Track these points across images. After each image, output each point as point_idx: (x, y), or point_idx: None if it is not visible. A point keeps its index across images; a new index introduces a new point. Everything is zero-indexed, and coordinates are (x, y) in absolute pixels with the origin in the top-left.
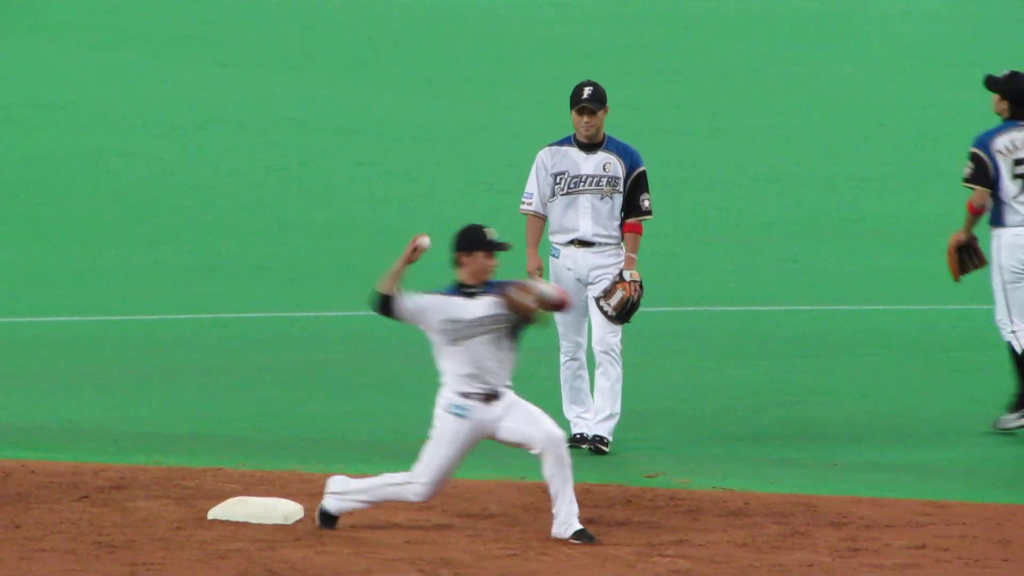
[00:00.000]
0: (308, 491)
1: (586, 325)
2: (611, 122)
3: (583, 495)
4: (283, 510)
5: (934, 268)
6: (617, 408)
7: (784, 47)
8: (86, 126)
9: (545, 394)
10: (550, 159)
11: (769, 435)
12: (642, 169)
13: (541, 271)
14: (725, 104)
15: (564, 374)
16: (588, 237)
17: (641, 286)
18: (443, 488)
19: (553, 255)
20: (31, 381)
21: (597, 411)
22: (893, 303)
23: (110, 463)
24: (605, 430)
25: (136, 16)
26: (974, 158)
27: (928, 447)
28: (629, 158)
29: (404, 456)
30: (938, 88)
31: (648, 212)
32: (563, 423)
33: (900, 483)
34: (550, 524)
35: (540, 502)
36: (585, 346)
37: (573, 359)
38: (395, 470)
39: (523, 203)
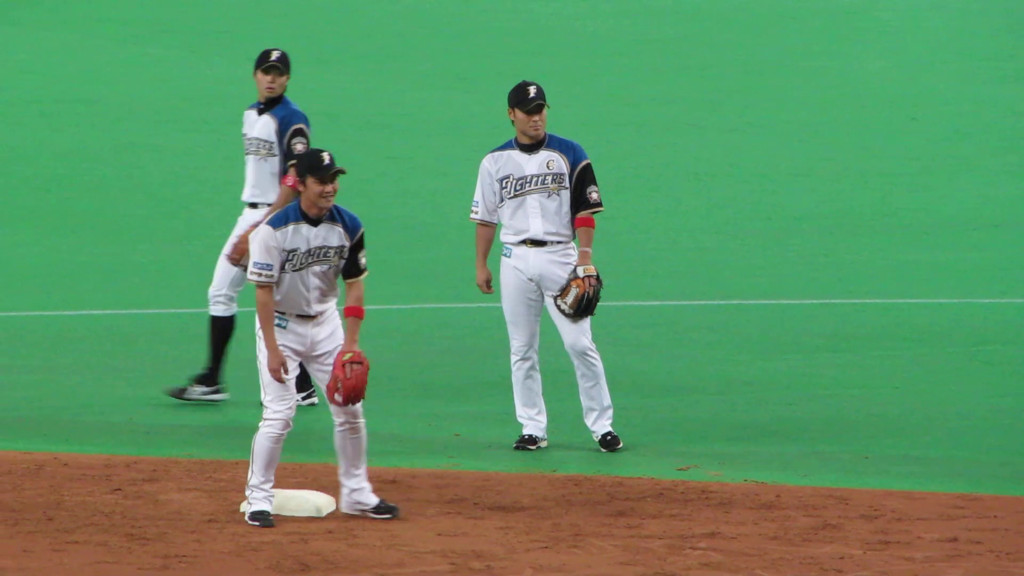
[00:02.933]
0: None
1: (538, 325)
2: (641, 116)
3: (615, 488)
4: (315, 502)
5: (965, 262)
6: (608, 402)
7: (815, 41)
8: (118, 121)
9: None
10: (493, 165)
11: (800, 428)
12: (586, 162)
13: (489, 282)
14: (756, 99)
15: (516, 375)
16: (539, 236)
17: (598, 279)
18: (292, 405)
19: (504, 255)
20: (64, 374)
21: (587, 411)
22: (924, 297)
23: (142, 456)
24: (605, 427)
25: (168, 11)
26: None
27: (960, 440)
28: (572, 153)
29: (435, 450)
30: (969, 82)
31: (597, 204)
32: (517, 426)
33: (932, 476)
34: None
35: (572, 495)
36: (537, 346)
37: (523, 359)
38: (426, 465)
39: (472, 212)
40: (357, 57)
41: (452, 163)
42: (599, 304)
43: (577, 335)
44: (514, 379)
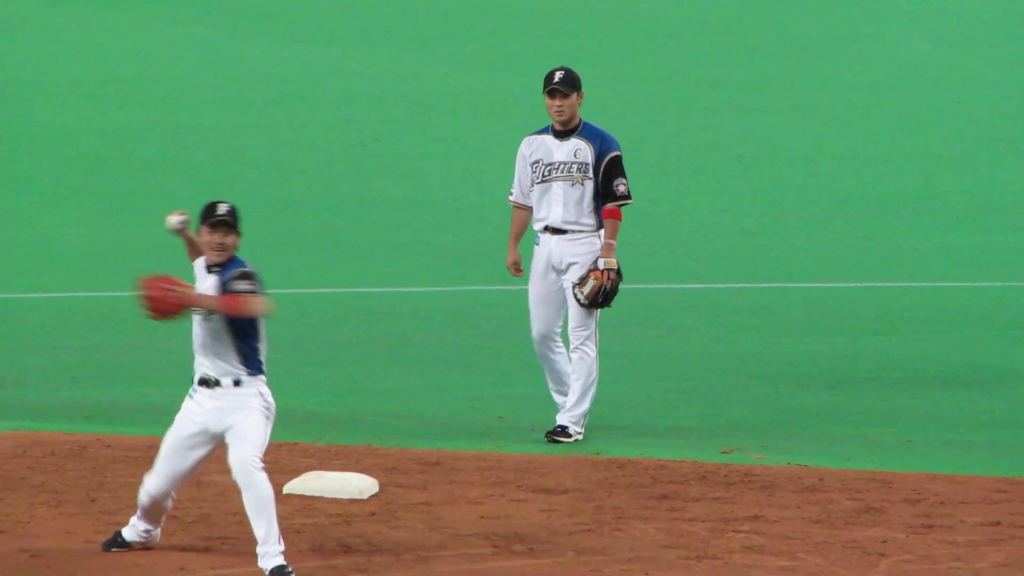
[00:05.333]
0: (384, 466)
1: (559, 316)
2: (687, 98)
3: (658, 471)
4: (358, 485)
5: (1010, 245)
6: (585, 404)
7: (861, 23)
8: (163, 101)
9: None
10: (528, 148)
11: (844, 411)
12: (615, 154)
13: (518, 264)
14: (802, 81)
15: (539, 359)
16: (558, 224)
17: (618, 273)
18: (176, 483)
19: (536, 243)
20: (108, 356)
21: (567, 400)
22: (968, 280)
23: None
24: (565, 419)
25: None
26: None
27: (1003, 424)
28: (600, 143)
29: (478, 432)
30: (1015, 64)
31: (624, 197)
32: (554, 407)
33: (975, 460)
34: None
35: (615, 477)
36: (554, 337)
37: (539, 345)
38: (470, 447)
39: (510, 194)
40: (403, 38)
41: (497, 144)
42: (616, 296)
43: (578, 328)
44: (540, 362)
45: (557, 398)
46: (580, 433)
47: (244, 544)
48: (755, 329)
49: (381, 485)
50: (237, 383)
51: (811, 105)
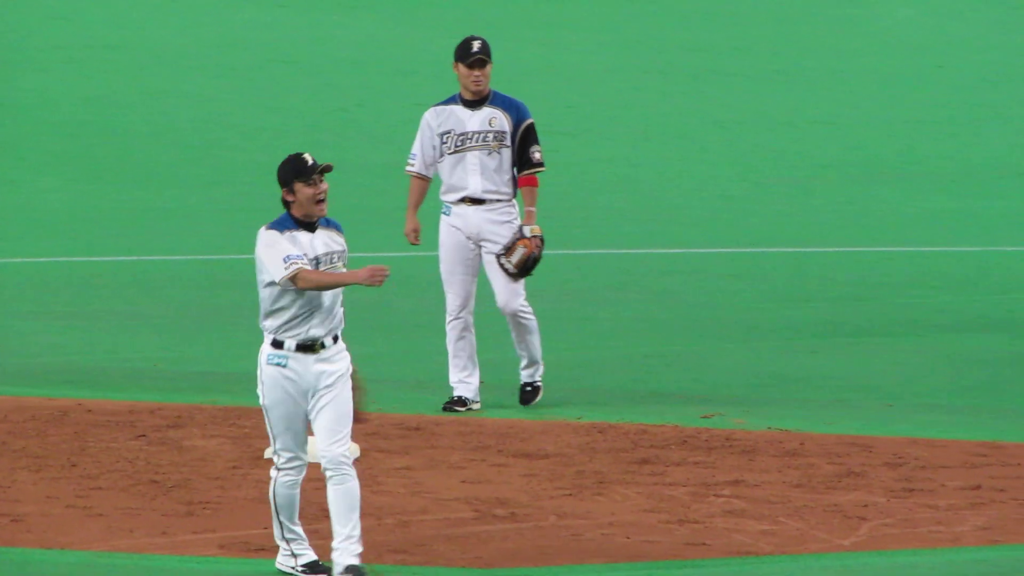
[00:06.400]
0: (364, 431)
1: (475, 286)
2: (668, 64)
3: (639, 435)
4: None
5: (991, 210)
6: (538, 356)
7: None
8: (144, 67)
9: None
10: (435, 119)
11: (824, 376)
12: (530, 121)
13: (417, 233)
14: (783, 47)
15: (449, 335)
16: (478, 194)
17: (542, 240)
18: (304, 455)
19: (444, 213)
20: (88, 320)
21: (521, 361)
22: (950, 245)
23: (167, 402)
24: (527, 376)
25: None
26: None
27: (984, 389)
28: (515, 111)
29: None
30: (996, 30)
31: (539, 164)
32: (449, 387)
33: (955, 424)
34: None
35: (596, 442)
36: (472, 307)
37: (457, 319)
38: (451, 412)
39: (408, 164)
40: (385, 3)
41: None
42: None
43: (509, 296)
44: (448, 340)
45: (454, 380)
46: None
47: (225, 508)
48: (736, 294)
49: (362, 450)
50: (336, 339)
51: (793, 70)
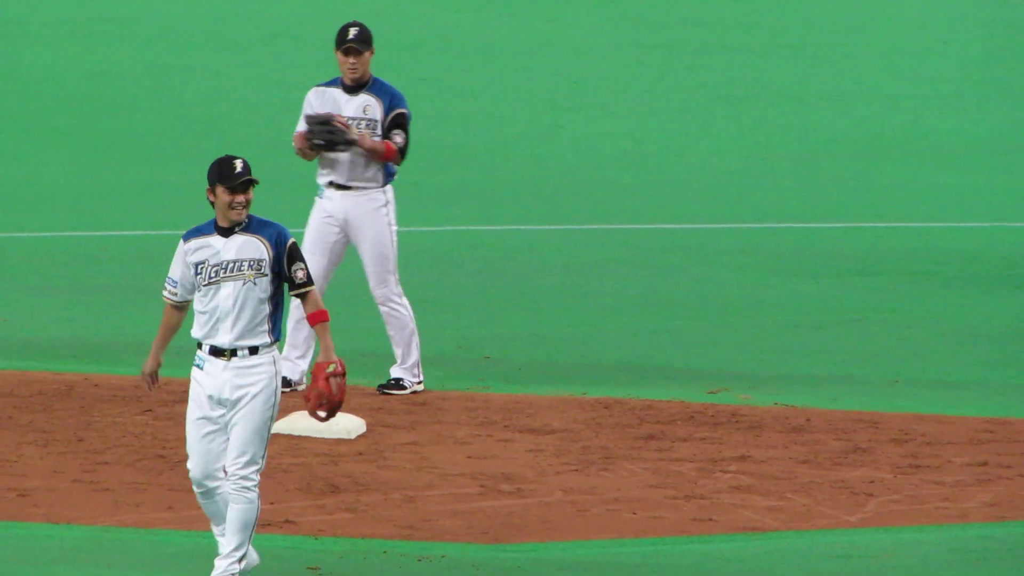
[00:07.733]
0: (371, 406)
1: (332, 270)
2: (673, 38)
3: (645, 411)
4: (345, 424)
5: (996, 185)
6: (412, 355)
7: None
8: (149, 41)
9: None
10: (316, 100)
11: (831, 352)
12: (401, 110)
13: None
14: (788, 21)
15: (293, 314)
16: (344, 180)
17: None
18: (208, 483)
19: (318, 195)
20: (95, 295)
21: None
22: (956, 220)
23: (173, 377)
24: (397, 372)
25: None
26: None
27: (990, 365)
28: (389, 99)
29: (464, 370)
30: (1002, 5)
31: (401, 149)
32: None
33: (962, 400)
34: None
35: (602, 418)
36: (323, 289)
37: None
38: (457, 387)
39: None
40: None
41: (484, 85)
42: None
43: (378, 285)
44: (289, 318)
45: (287, 356)
46: (418, 381)
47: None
48: (742, 269)
49: (368, 425)
50: (255, 351)
51: (798, 45)
